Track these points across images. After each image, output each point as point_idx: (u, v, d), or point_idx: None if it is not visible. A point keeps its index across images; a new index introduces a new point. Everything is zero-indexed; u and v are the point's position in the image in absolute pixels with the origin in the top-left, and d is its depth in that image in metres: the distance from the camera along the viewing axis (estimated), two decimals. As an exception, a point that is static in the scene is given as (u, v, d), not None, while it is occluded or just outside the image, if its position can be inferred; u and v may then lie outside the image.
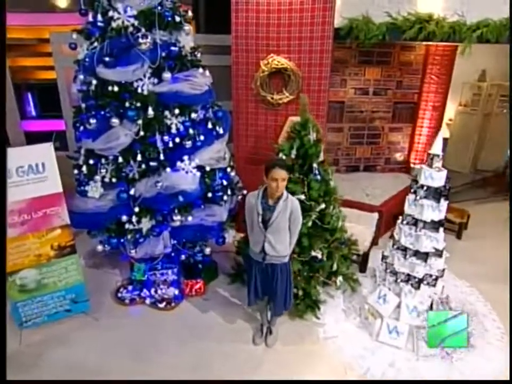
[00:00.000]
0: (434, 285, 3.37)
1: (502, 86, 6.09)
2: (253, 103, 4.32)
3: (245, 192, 3.83)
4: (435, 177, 3.15)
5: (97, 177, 3.19)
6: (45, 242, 3.20)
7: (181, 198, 3.16)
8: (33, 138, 6.30)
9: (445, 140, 6.29)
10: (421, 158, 5.73)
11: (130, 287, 3.82)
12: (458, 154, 6.26)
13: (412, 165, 5.75)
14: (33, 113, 7.21)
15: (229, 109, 4.22)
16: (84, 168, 3.24)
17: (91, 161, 3.20)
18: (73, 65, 4.73)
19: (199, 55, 3.39)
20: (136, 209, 3.19)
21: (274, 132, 4.32)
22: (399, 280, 3.43)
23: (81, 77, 3.11)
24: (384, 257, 3.70)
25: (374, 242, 4.53)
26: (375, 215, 4.56)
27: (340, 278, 3.61)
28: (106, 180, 3.18)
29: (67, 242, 3.29)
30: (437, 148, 3.18)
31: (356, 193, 5.05)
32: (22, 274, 3.19)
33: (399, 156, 5.84)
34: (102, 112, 3.09)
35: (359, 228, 4.35)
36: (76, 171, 3.38)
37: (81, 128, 3.24)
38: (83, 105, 3.21)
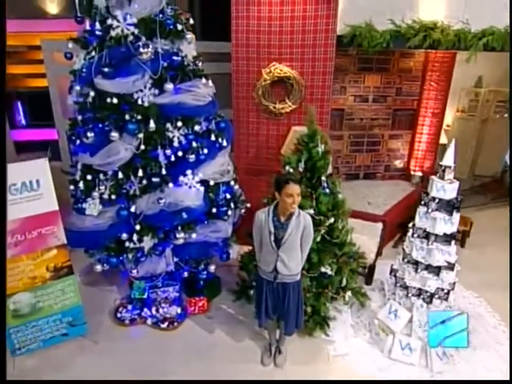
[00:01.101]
0: (446, 299, 3.29)
1: (498, 92, 6.10)
2: (254, 112, 4.20)
3: (248, 205, 3.71)
4: (447, 189, 3.08)
5: (96, 194, 3.02)
6: (40, 264, 3.01)
7: (184, 215, 3.01)
8: (23, 147, 6.07)
9: (443, 145, 6.30)
10: (421, 165, 5.69)
11: (130, 306, 3.64)
12: (457, 160, 6.22)
13: (412, 172, 5.70)
14: (23, 122, 6.95)
15: (228, 118, 4.09)
16: (81, 184, 3.06)
17: (89, 177, 3.02)
18: (65, 74, 4.54)
19: (200, 64, 3.26)
20: (138, 227, 3.02)
21: (276, 142, 4.21)
22: (410, 295, 3.34)
23: (78, 88, 2.94)
24: (393, 271, 3.61)
25: (379, 253, 4.44)
26: (379, 225, 4.47)
27: (349, 293, 3.50)
28: (105, 196, 3.01)
29: (64, 262, 3.10)
30: (448, 158, 3.11)
31: (357, 202, 4.95)
32: (16, 298, 2.99)
33: (398, 163, 5.78)
34: (100, 125, 2.93)
35: (363, 238, 4.24)
36: (72, 187, 3.20)
37: (78, 141, 3.06)
38: (79, 118, 3.04)
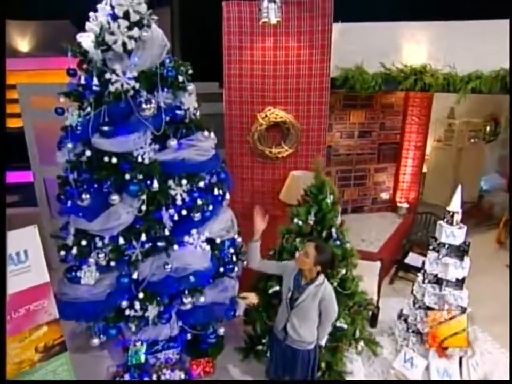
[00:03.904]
0: (460, 344, 3.25)
1: (470, 122, 6.43)
2: (248, 157, 4.08)
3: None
4: (457, 235, 3.08)
5: (92, 260, 2.73)
6: (28, 345, 2.63)
7: (192, 279, 2.78)
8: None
9: (423, 174, 6.47)
10: (406, 196, 5.79)
11: (127, 376, 3.29)
12: (437, 188, 6.44)
13: (398, 204, 5.77)
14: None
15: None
16: (75, 250, 2.76)
17: (83, 242, 2.73)
18: (42, 118, 4.26)
19: (198, 113, 3.11)
20: (141, 295, 2.75)
21: (273, 187, 4.10)
22: (424, 341, 3.27)
23: (70, 145, 2.67)
24: (402, 315, 3.55)
25: (379, 292, 4.37)
26: (378, 264, 4.40)
27: (361, 343, 3.37)
28: (103, 262, 2.73)
29: (55, 340, 2.74)
30: (455, 204, 3.12)
31: (351, 240, 4.90)
32: (-1, 388, 2.59)
33: (384, 195, 5.85)
34: (96, 186, 2.67)
35: (363, 279, 4.17)
36: (62, 252, 2.88)
37: (69, 202, 2.78)
38: (71, 177, 2.76)
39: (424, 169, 6.40)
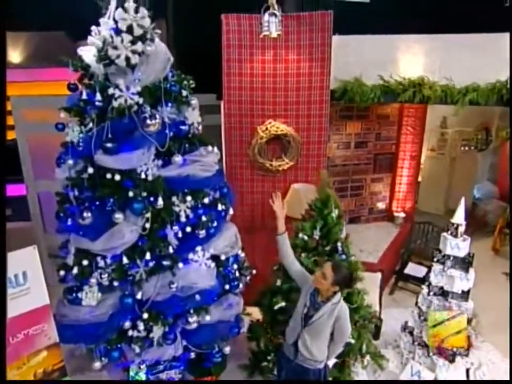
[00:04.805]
0: (467, 355, 3.24)
1: (462, 132, 6.53)
2: (248, 170, 4.03)
3: (253, 271, 3.47)
4: (461, 247, 3.09)
5: (93, 281, 2.63)
6: (26, 372, 2.53)
7: (197, 297, 2.71)
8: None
9: (417, 183, 6.53)
10: (403, 206, 5.82)
11: (127, 398, 3.18)
12: (431, 197, 6.51)
13: (394, 213, 5.80)
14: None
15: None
16: (75, 270, 2.66)
17: (85, 262, 2.63)
18: (36, 131, 4.16)
19: (200, 127, 3.06)
20: (145, 316, 2.66)
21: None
22: (431, 354, 3.25)
23: (71, 162, 2.59)
24: (407, 328, 3.53)
25: (380, 303, 4.35)
26: (378, 275, 4.39)
27: (368, 357, 3.33)
28: (105, 282, 2.64)
29: (55, 365, 2.64)
30: (459, 216, 3.13)
31: (350, 250, 4.90)
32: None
33: (381, 205, 5.87)
34: (98, 204, 2.59)
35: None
36: (62, 272, 2.77)
37: (69, 220, 2.69)
38: (71, 194, 2.67)
39: (419, 178, 6.46)
